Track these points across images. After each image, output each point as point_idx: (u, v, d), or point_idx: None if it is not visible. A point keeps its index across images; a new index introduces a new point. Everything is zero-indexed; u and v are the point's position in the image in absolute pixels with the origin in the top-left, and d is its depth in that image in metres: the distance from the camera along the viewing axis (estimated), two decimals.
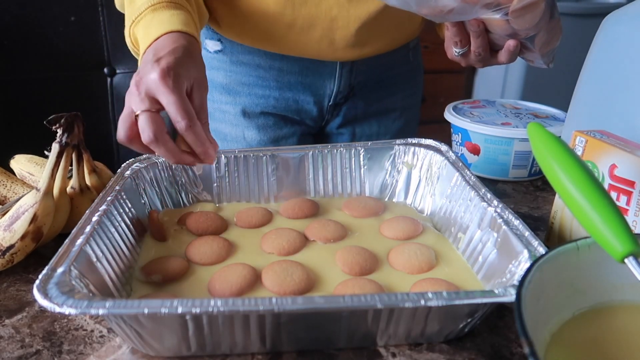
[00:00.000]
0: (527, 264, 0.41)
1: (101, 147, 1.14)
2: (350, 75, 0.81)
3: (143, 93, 0.49)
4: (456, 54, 0.63)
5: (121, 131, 0.50)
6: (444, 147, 0.63)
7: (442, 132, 0.91)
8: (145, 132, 0.49)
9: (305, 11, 0.71)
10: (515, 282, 0.39)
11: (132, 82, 0.51)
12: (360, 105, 0.86)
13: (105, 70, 1.11)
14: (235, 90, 0.82)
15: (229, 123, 0.84)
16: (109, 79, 1.12)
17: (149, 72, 0.50)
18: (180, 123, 0.49)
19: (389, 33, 0.79)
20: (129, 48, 0.62)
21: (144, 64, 0.51)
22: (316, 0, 0.70)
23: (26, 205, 0.52)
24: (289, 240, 0.53)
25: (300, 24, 0.72)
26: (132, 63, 1.11)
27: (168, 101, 0.49)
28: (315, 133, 0.89)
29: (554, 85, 1.78)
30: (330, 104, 0.83)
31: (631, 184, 0.46)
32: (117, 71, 1.12)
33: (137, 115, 0.49)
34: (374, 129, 0.89)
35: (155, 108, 0.50)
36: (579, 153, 0.50)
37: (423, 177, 0.62)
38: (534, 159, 0.73)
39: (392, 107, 0.89)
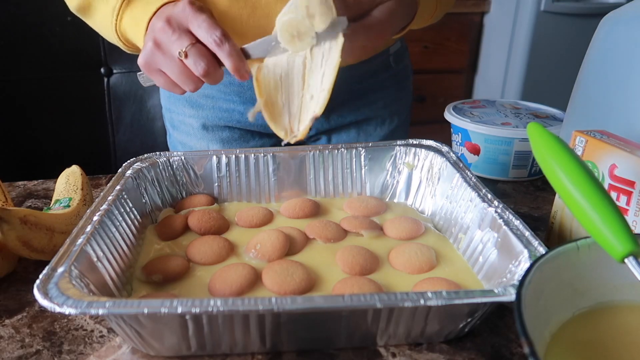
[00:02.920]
0: (527, 264, 0.41)
1: (98, 147, 1.14)
2: None
3: (177, 29, 0.52)
4: None
5: (186, 80, 0.53)
6: (444, 148, 0.63)
7: (442, 132, 0.91)
8: (199, 65, 0.52)
9: (253, 22, 0.67)
10: (515, 282, 0.39)
11: (161, 23, 0.53)
12: (334, 117, 0.82)
13: (102, 70, 1.11)
14: (199, 104, 0.81)
15: (193, 136, 0.84)
16: (105, 79, 1.12)
17: (175, 7, 0.53)
18: (214, 35, 0.51)
19: None
20: (116, 38, 0.63)
21: (172, 8, 0.54)
22: (265, 12, 0.66)
23: None
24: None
25: (251, 38, 0.70)
26: (128, 63, 1.11)
27: (199, 22, 0.52)
28: (288, 144, 0.86)
29: (554, 85, 1.79)
30: None
31: (631, 184, 0.46)
32: (114, 71, 1.12)
33: (184, 52, 0.52)
34: (352, 136, 0.85)
35: (195, 40, 0.52)
36: (579, 153, 0.50)
37: (424, 178, 0.62)
38: (534, 159, 0.73)
39: (372, 116, 0.84)
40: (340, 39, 0.49)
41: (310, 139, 0.86)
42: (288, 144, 0.57)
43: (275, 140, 0.84)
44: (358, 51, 0.55)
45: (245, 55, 0.53)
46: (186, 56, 0.52)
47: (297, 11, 0.49)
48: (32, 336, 0.44)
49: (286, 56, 0.52)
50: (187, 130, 0.84)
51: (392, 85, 0.86)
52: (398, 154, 0.64)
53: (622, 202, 0.47)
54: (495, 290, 0.38)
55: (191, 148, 0.85)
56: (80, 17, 0.69)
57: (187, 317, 0.37)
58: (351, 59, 0.55)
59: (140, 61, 0.56)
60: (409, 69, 0.90)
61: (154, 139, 1.14)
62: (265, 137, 0.84)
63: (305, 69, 0.52)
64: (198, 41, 0.52)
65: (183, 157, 0.62)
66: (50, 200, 0.67)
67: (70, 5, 0.67)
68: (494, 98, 1.08)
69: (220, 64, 0.53)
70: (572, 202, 0.37)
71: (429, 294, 0.37)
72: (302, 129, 0.52)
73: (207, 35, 0.51)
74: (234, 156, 0.63)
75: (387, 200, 0.64)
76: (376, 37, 0.55)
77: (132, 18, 0.60)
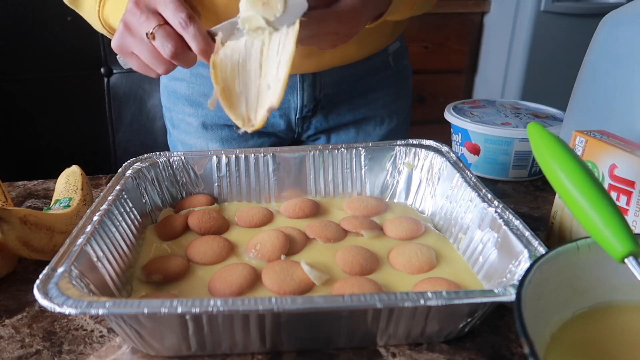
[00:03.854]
0: (527, 264, 0.41)
1: (98, 147, 1.14)
2: (313, 89, 0.77)
3: (145, 10, 0.51)
4: None
5: (157, 62, 0.52)
6: (444, 148, 0.63)
7: (442, 132, 0.91)
8: (166, 47, 0.50)
9: None
10: (515, 282, 0.39)
11: (131, 4, 0.52)
12: (332, 117, 0.82)
13: (102, 70, 1.11)
14: (198, 102, 0.81)
15: (193, 135, 0.83)
16: (105, 79, 1.12)
17: None
18: (179, 17, 0.49)
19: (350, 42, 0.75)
20: (100, 25, 0.63)
21: None
22: None
23: None
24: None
25: None
26: None
27: (166, 3, 0.50)
28: (289, 143, 0.86)
29: (554, 85, 1.79)
30: (298, 117, 0.80)
31: (631, 184, 0.46)
32: (114, 71, 1.12)
33: (152, 34, 0.50)
34: (351, 135, 0.85)
35: (163, 21, 0.51)
36: (579, 153, 0.50)
37: (424, 178, 0.62)
38: (534, 159, 0.73)
39: (371, 115, 0.84)
40: (296, 26, 0.47)
41: (309, 139, 0.86)
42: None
43: (275, 140, 0.84)
44: (331, 37, 0.54)
45: (213, 38, 0.51)
46: (154, 38, 0.51)
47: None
48: (32, 336, 0.44)
49: (244, 41, 0.50)
50: (187, 129, 0.84)
51: (392, 84, 0.85)
52: (398, 154, 0.64)
53: (622, 202, 0.47)
54: (495, 290, 0.38)
55: (191, 147, 0.84)
56: (74, 9, 0.69)
57: (187, 317, 0.37)
58: (325, 45, 0.54)
59: (113, 44, 0.55)
60: (408, 69, 0.89)
61: (154, 139, 1.14)
62: (265, 136, 0.84)
63: (262, 56, 0.50)
64: (166, 22, 0.51)
65: (183, 157, 0.62)
66: (50, 200, 0.67)
67: None
68: (494, 98, 1.08)
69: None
70: (572, 202, 0.37)
71: (429, 294, 0.37)
72: (259, 118, 0.49)
73: (173, 18, 0.50)
74: (234, 156, 0.63)
75: (387, 200, 0.64)
76: (349, 24, 0.54)
77: (114, 4, 0.60)
